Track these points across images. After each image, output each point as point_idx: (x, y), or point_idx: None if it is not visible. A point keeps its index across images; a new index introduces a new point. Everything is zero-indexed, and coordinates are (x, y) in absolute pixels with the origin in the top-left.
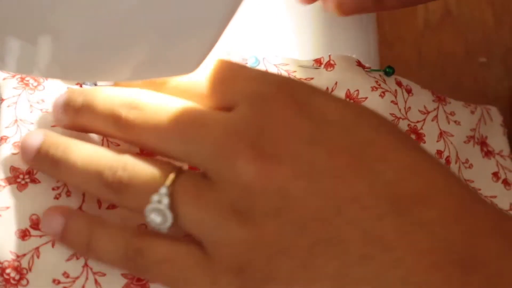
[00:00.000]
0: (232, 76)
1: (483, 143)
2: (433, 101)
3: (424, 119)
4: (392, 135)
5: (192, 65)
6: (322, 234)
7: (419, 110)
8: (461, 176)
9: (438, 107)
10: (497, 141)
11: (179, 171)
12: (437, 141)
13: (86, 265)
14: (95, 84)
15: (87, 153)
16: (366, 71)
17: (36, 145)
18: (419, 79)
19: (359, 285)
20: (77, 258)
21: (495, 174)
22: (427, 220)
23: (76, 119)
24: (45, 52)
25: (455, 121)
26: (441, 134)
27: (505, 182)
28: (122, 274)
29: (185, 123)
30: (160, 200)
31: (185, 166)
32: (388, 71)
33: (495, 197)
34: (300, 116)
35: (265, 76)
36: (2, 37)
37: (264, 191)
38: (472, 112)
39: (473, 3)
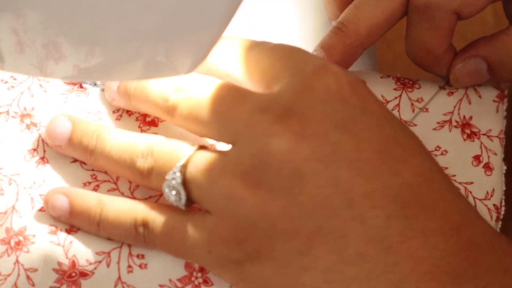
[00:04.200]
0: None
1: (465, 124)
2: (395, 89)
3: None
4: (415, 139)
5: (192, 65)
6: (326, 224)
7: None
8: None
9: (400, 95)
10: (486, 120)
11: (198, 149)
12: None
13: (17, 261)
14: (95, 84)
15: (119, 142)
16: None
17: (66, 133)
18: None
19: (350, 284)
20: (8, 255)
21: (477, 158)
22: (430, 228)
23: (131, 102)
24: (44, 52)
25: (421, 108)
26: None
27: (487, 166)
28: (53, 269)
29: (220, 101)
30: (174, 177)
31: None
32: None
33: (471, 183)
34: (339, 99)
35: (310, 56)
36: (1, 37)
37: (279, 166)
38: (450, 94)
39: None
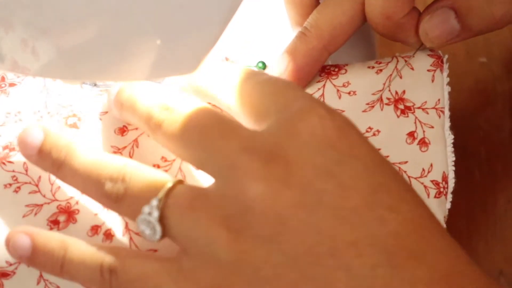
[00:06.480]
0: (277, 89)
1: (398, 100)
2: (318, 81)
3: None
4: (406, 185)
5: (192, 65)
6: (310, 273)
7: None
8: None
9: (324, 85)
10: (420, 91)
11: (176, 183)
12: None
13: None
14: (95, 84)
15: (88, 160)
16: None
17: (37, 144)
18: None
19: None
20: None
21: (411, 134)
22: (418, 277)
23: (122, 113)
24: (45, 52)
25: (348, 93)
26: None
27: (422, 142)
28: None
29: (207, 130)
30: (151, 212)
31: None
32: (260, 66)
33: (405, 163)
34: (324, 144)
35: (299, 93)
36: (2, 36)
37: (262, 213)
38: (379, 71)
39: None
